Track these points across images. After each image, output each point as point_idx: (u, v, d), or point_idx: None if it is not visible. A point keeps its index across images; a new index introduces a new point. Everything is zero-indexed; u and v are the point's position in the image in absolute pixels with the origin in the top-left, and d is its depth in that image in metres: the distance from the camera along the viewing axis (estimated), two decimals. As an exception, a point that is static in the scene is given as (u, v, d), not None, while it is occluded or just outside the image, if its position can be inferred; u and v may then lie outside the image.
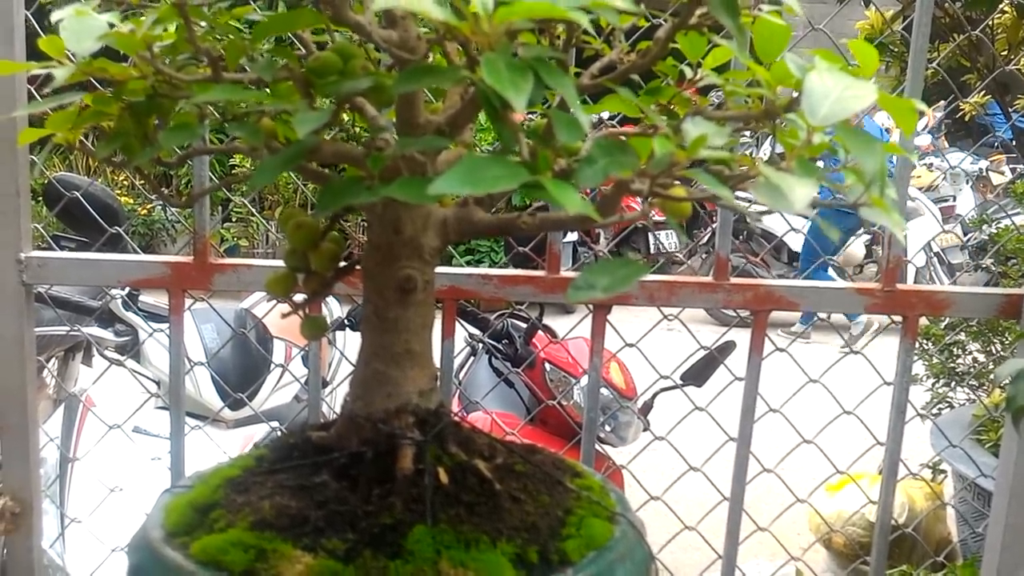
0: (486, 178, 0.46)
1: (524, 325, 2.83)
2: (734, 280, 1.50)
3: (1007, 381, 0.97)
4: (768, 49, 0.72)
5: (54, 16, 0.60)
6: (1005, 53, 3.16)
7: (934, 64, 1.57)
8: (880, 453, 1.63)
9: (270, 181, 0.60)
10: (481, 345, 2.81)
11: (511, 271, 1.51)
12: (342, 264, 0.74)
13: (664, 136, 0.52)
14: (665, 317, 1.66)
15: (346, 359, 1.63)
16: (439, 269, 1.44)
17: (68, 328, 2.35)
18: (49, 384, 3.21)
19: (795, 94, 0.67)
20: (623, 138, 0.83)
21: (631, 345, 1.66)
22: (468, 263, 7.28)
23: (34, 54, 1.37)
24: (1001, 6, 2.85)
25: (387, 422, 0.71)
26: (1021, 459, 1.48)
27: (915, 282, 7.02)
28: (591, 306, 1.53)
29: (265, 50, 0.62)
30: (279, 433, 2.35)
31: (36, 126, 0.85)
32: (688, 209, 0.59)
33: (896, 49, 3.15)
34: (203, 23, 0.63)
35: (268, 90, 0.61)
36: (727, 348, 2.68)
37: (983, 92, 3.25)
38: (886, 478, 1.59)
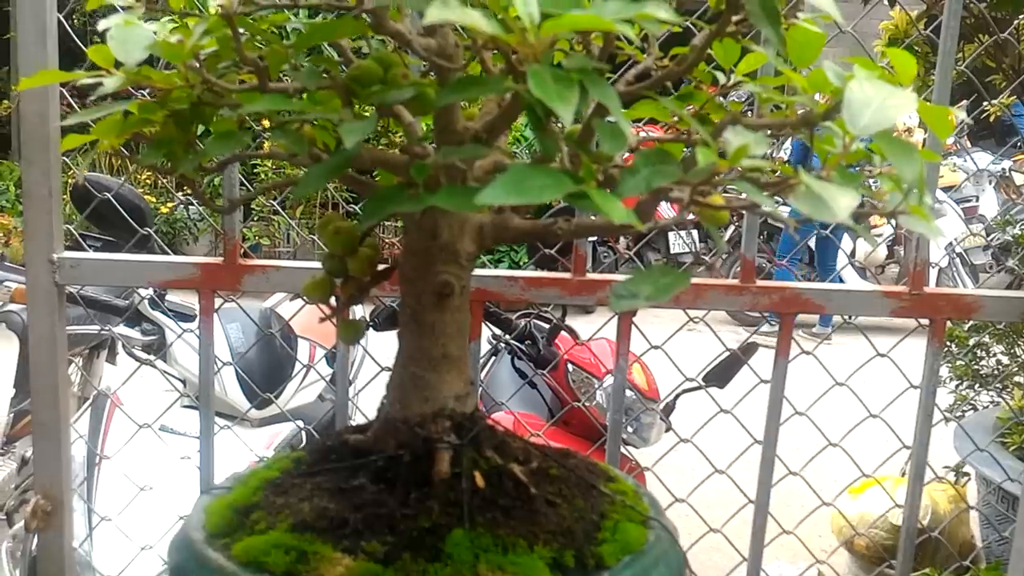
0: (532, 188, 0.47)
1: (547, 325, 2.84)
2: (761, 283, 1.51)
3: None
4: (802, 55, 0.73)
5: (101, 24, 0.61)
6: (1031, 53, 3.13)
7: (961, 67, 1.56)
8: (903, 455, 1.62)
9: (316, 189, 0.60)
10: (503, 345, 2.82)
11: (537, 273, 1.51)
12: (379, 268, 0.75)
13: (706, 146, 0.53)
14: (691, 319, 1.66)
15: (370, 356, 1.63)
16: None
17: (98, 327, 2.38)
18: (74, 382, 3.24)
19: (823, 98, 0.67)
20: (655, 142, 0.83)
21: (657, 347, 1.67)
22: (488, 262, 7.29)
23: (65, 54, 1.39)
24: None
25: (424, 426, 0.72)
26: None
27: (937, 283, 6.97)
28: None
29: (305, 58, 0.63)
30: (304, 432, 2.37)
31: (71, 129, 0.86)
32: (726, 216, 0.60)
33: (920, 49, 3.13)
34: (242, 29, 0.64)
35: (309, 97, 0.62)
36: (750, 349, 2.68)
37: (1009, 93, 3.22)
38: (912, 482, 1.59)
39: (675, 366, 1.72)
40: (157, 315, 2.39)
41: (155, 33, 0.56)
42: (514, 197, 0.47)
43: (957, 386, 3.56)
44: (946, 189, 7.89)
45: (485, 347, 3.00)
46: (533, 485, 0.72)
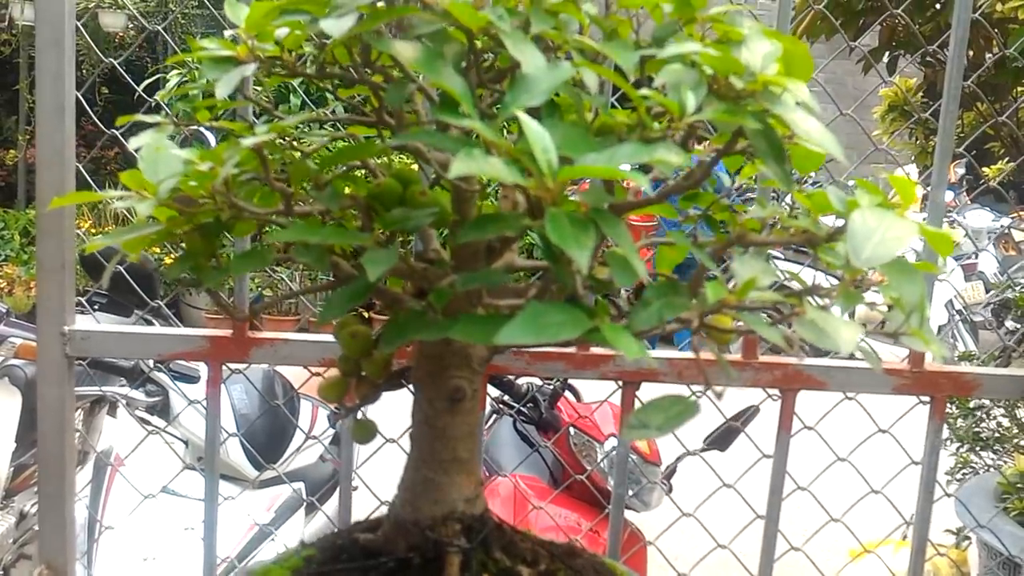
0: (550, 326, 0.49)
1: (549, 386, 2.84)
2: (763, 359, 1.52)
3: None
4: (803, 166, 0.76)
5: (132, 143, 0.63)
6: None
7: (960, 148, 1.60)
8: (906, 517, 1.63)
9: (339, 315, 0.62)
10: (504, 407, 2.83)
11: (542, 348, 1.53)
12: (393, 370, 0.77)
13: (716, 283, 0.55)
14: (693, 394, 1.68)
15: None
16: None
17: (104, 387, 2.39)
18: (75, 437, 3.23)
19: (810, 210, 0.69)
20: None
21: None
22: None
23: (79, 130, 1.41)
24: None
25: (434, 528, 0.73)
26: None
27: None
28: (620, 381, 1.55)
29: (328, 176, 0.66)
30: (303, 496, 2.37)
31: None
32: (731, 337, 0.61)
33: (919, 116, 3.18)
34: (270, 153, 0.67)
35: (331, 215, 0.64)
36: (750, 413, 2.68)
37: (1007, 160, 3.28)
38: (914, 555, 1.59)
39: (676, 438, 1.73)
40: (162, 377, 2.40)
41: (185, 161, 0.58)
42: (532, 337, 0.49)
43: (958, 448, 3.57)
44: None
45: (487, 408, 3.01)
46: (541, 588, 0.73)
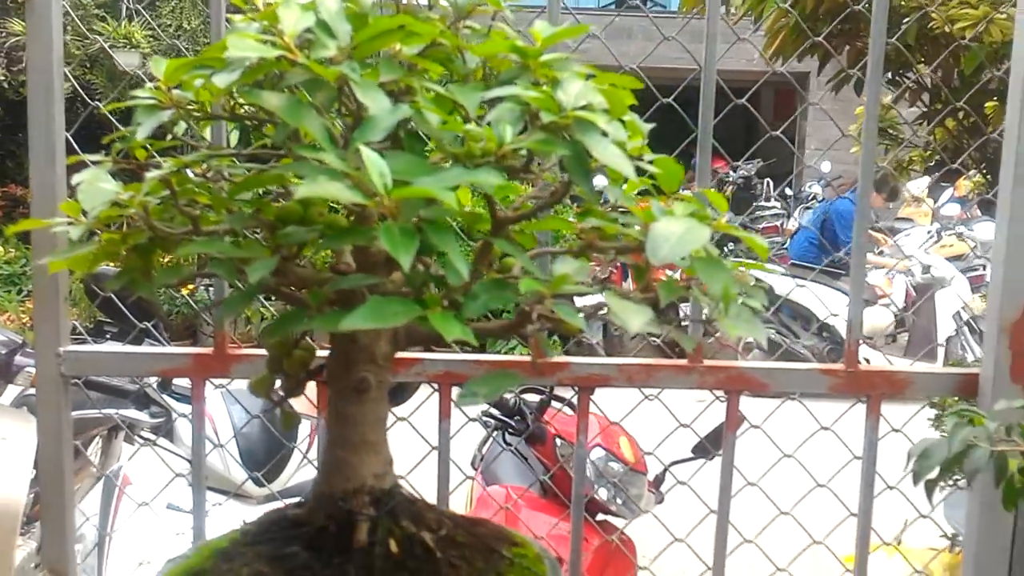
0: (387, 314, 0.61)
1: (536, 398, 2.96)
2: (708, 363, 1.64)
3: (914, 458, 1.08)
4: (668, 184, 0.88)
5: (74, 179, 0.77)
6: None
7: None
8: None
9: (237, 314, 0.75)
10: (493, 421, 2.94)
11: (499, 356, 1.65)
12: (311, 367, 0.90)
13: (529, 279, 0.67)
14: (646, 397, 1.80)
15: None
16: (435, 355, 1.60)
17: (103, 411, 2.52)
18: (94, 462, 3.38)
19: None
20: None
21: (615, 424, 1.80)
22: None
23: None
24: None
25: (346, 500, 0.85)
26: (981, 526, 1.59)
27: (947, 352, 7.03)
28: (576, 387, 1.67)
29: (240, 203, 0.78)
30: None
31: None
32: (576, 326, 0.73)
33: (893, 132, 3.30)
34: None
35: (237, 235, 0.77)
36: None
37: (985, 172, 3.37)
38: (859, 550, 1.69)
39: (646, 452, 1.85)
40: (164, 398, 2.54)
41: (115, 192, 0.71)
42: (371, 322, 0.61)
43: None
44: (953, 259, 7.98)
45: (475, 426, 3.13)
46: (439, 550, 0.85)
